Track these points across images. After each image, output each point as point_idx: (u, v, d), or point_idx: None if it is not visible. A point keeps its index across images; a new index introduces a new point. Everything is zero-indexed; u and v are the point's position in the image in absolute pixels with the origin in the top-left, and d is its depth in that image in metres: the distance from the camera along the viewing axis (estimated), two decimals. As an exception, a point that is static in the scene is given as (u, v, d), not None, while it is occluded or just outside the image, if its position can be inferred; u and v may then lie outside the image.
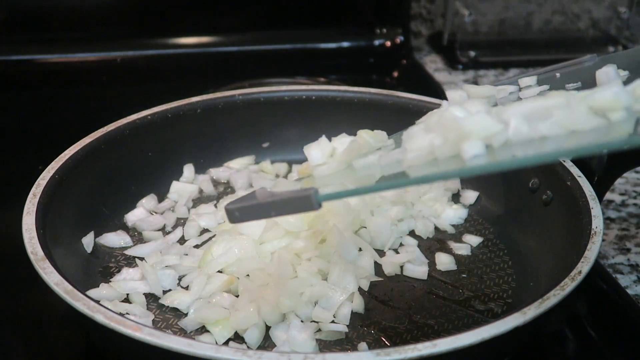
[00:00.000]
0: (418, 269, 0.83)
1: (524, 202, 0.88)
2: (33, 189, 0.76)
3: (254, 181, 0.99)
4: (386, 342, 0.72)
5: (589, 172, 0.82)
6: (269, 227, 0.82)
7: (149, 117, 0.94)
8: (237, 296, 0.76)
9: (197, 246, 0.86)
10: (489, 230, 0.92)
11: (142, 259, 0.83)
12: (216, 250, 0.80)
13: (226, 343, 0.71)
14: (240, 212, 0.61)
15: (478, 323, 0.74)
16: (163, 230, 0.91)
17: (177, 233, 0.89)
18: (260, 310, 0.72)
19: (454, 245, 0.88)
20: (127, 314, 0.73)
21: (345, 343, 0.72)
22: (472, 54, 1.57)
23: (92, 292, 0.75)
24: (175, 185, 0.98)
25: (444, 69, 1.59)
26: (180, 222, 0.92)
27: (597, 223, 0.72)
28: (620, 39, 1.60)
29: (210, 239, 0.86)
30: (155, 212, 0.93)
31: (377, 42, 1.56)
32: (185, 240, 0.88)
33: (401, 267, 0.84)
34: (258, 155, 1.05)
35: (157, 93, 1.06)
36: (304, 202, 0.58)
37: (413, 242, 0.88)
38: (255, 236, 0.80)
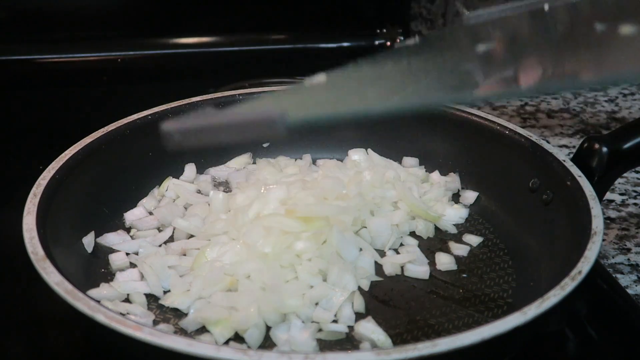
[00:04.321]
0: (419, 269, 0.82)
1: (524, 202, 0.88)
2: (33, 189, 0.76)
3: (251, 176, 0.99)
4: (386, 342, 0.72)
5: (589, 172, 0.82)
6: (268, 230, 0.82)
7: (149, 117, 0.94)
8: (238, 296, 0.76)
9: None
10: (489, 230, 0.92)
11: (128, 254, 0.84)
12: (210, 253, 0.80)
13: (226, 343, 0.71)
14: (183, 135, 0.50)
15: (478, 323, 0.74)
16: (159, 229, 0.90)
17: (168, 232, 0.88)
18: (261, 311, 0.72)
19: (454, 245, 0.88)
20: (128, 314, 0.73)
21: (346, 343, 0.72)
22: (472, 53, 1.56)
23: (92, 292, 0.74)
24: (173, 184, 0.97)
25: (444, 69, 1.59)
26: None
27: (597, 223, 0.72)
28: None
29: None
30: (153, 212, 0.93)
31: (377, 42, 1.55)
32: (176, 240, 0.87)
33: (401, 267, 0.84)
34: (259, 155, 1.05)
35: (157, 93, 1.06)
36: (268, 125, 0.47)
37: (413, 242, 0.88)
38: (258, 243, 0.79)
